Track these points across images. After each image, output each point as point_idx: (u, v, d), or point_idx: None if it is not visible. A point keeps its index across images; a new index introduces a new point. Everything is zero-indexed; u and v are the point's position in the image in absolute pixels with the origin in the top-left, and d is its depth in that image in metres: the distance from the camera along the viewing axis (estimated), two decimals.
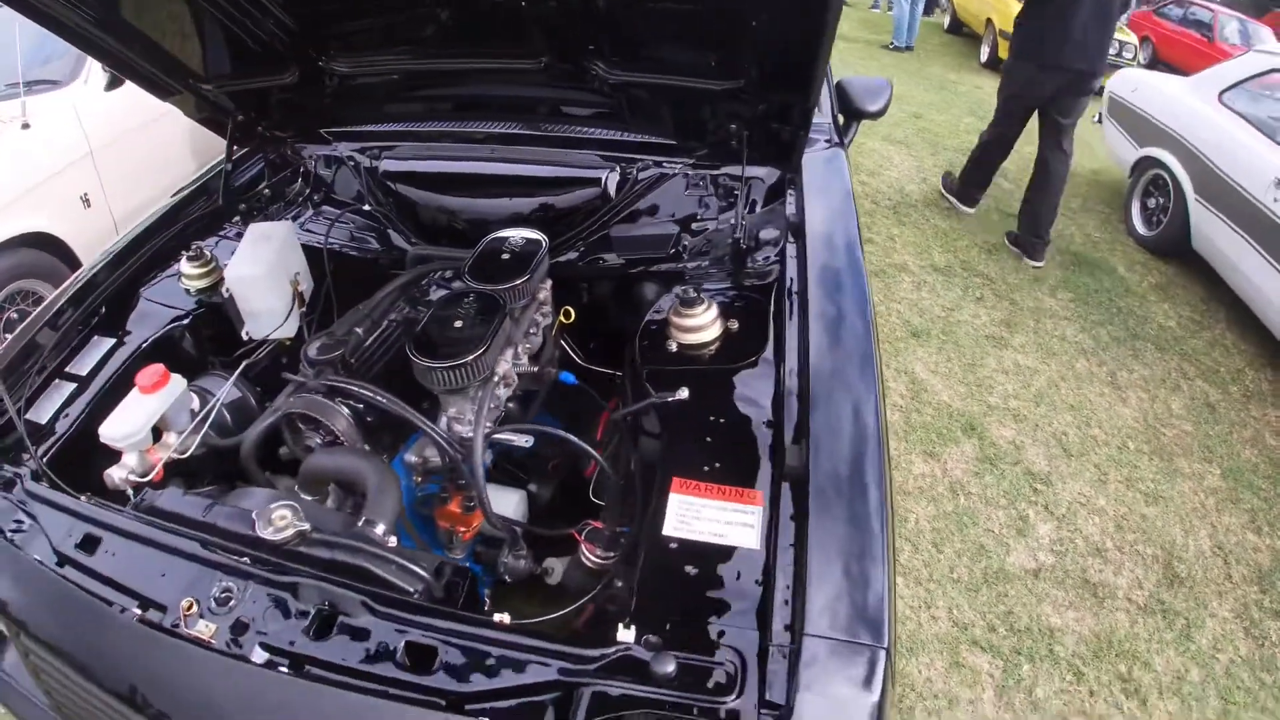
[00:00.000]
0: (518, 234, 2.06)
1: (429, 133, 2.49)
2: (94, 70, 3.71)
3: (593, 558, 1.71)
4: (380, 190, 2.41)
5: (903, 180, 6.21)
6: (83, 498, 1.62)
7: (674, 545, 1.42)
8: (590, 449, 1.77)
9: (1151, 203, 5.61)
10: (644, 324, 1.95)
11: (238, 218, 2.39)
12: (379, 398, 1.76)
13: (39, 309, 2.02)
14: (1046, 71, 4.69)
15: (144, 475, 1.74)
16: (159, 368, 1.76)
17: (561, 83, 2.14)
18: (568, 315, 2.26)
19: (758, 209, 2.24)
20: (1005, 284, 4.94)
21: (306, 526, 1.49)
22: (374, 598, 1.35)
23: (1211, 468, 3.68)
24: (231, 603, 1.37)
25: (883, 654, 1.17)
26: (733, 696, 1.19)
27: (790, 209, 2.11)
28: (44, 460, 1.70)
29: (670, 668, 1.19)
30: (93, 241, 3.44)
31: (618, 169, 2.29)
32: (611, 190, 2.27)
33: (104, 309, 2.05)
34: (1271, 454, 3.83)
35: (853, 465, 1.40)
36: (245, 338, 2.12)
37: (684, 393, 1.68)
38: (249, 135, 2.49)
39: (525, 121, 2.41)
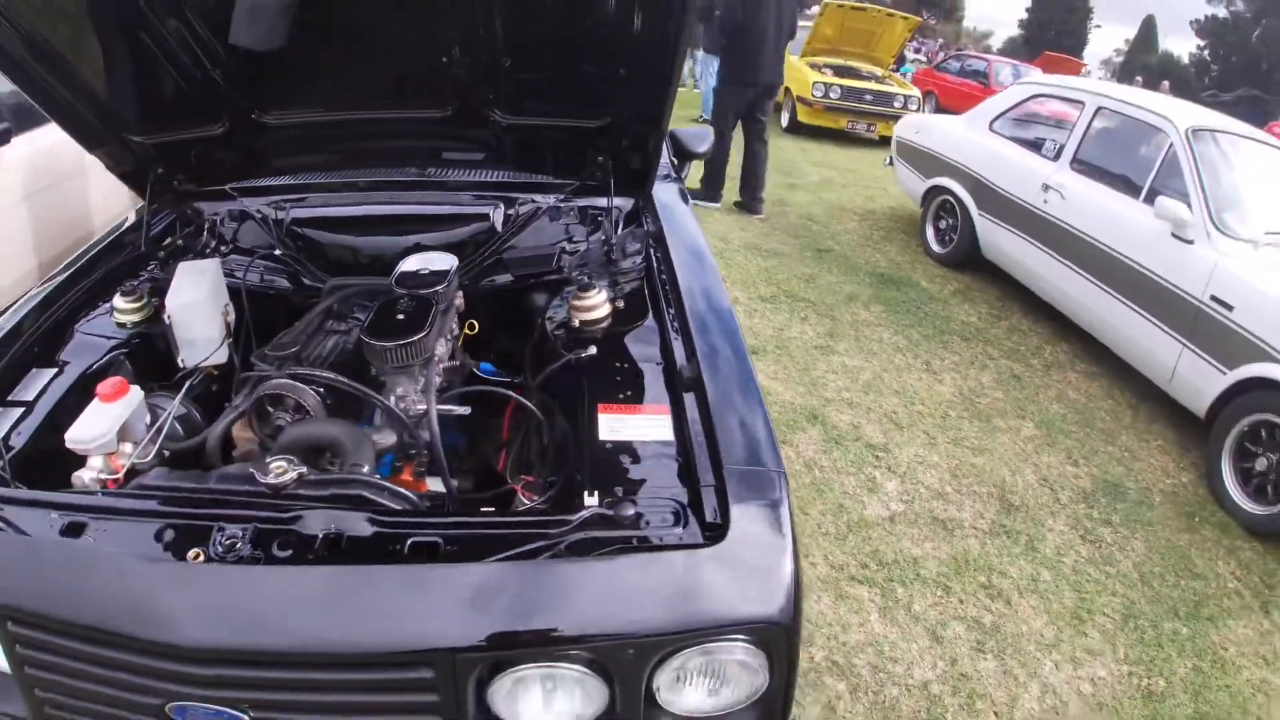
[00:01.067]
0: (431, 256, 2.30)
1: (333, 184, 2.72)
2: None
3: (529, 502, 1.85)
4: (289, 237, 2.56)
5: (724, 229, 6.62)
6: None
7: (609, 445, 1.67)
8: (522, 399, 2.02)
9: (942, 224, 6.23)
10: (546, 315, 2.27)
11: (154, 264, 2.43)
12: (339, 381, 1.91)
13: None
14: (749, 87, 6.65)
15: (112, 476, 1.75)
16: (119, 379, 1.80)
17: (461, 128, 2.41)
18: (472, 328, 2.46)
19: (620, 229, 2.58)
20: (824, 305, 5.32)
21: (304, 469, 1.58)
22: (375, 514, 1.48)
23: (1025, 422, 4.07)
24: (238, 546, 1.41)
25: (782, 476, 1.53)
26: (682, 525, 1.45)
27: (649, 225, 2.52)
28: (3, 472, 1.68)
29: (631, 511, 1.43)
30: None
31: (501, 205, 2.61)
32: (498, 224, 2.56)
33: (37, 347, 2.07)
34: (1075, 405, 4.28)
35: (730, 365, 1.83)
36: (181, 364, 2.18)
37: (592, 349, 1.99)
38: (163, 190, 2.54)
39: (420, 169, 2.72)
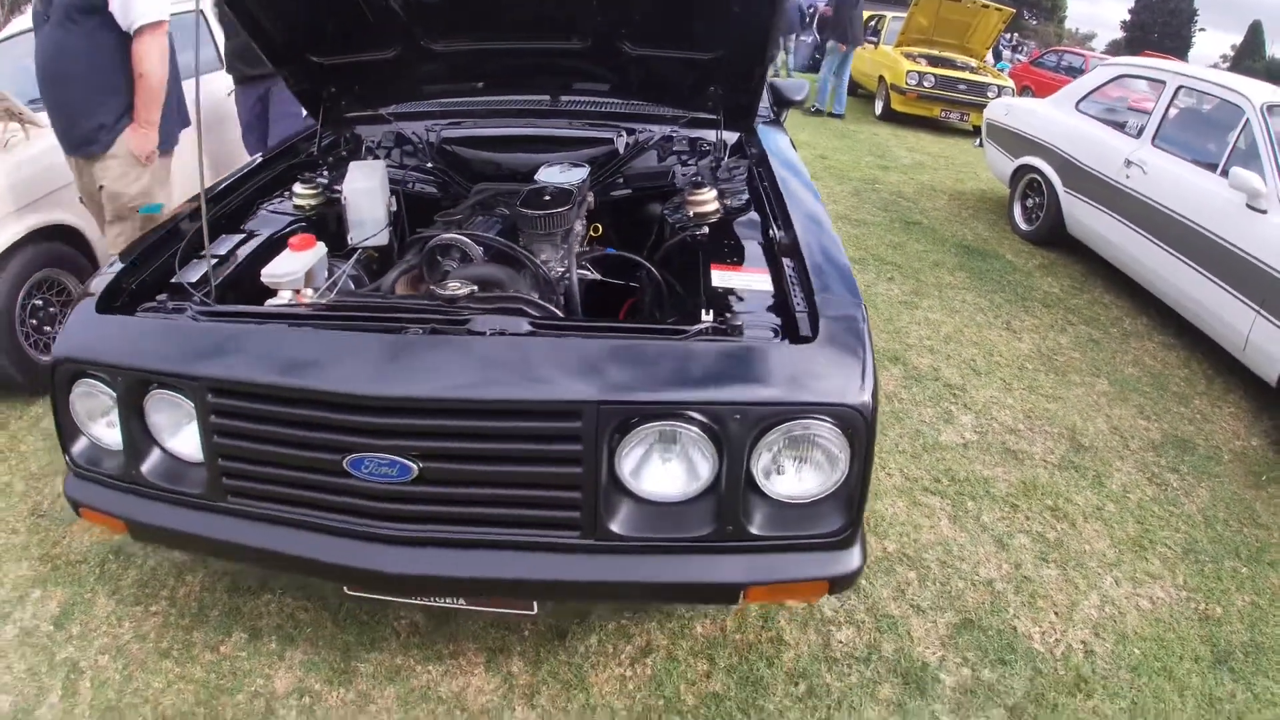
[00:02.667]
0: (567, 166, 2.59)
1: (477, 109, 3.09)
2: None
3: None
4: (438, 154, 2.90)
5: None
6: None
7: (720, 289, 1.92)
8: (643, 260, 2.29)
9: (1029, 202, 6.20)
10: (664, 210, 2.59)
11: (323, 166, 2.75)
12: (496, 240, 2.19)
13: (182, 206, 2.44)
14: None
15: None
16: (308, 235, 2.13)
17: (594, 58, 2.63)
18: (597, 230, 2.75)
19: (727, 156, 2.84)
20: (910, 268, 5.39)
21: (474, 287, 1.90)
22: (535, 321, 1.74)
23: (1100, 380, 4.10)
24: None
25: (860, 306, 1.77)
26: (780, 336, 1.69)
27: (753, 150, 2.80)
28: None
29: (740, 322, 1.71)
30: (94, 232, 3.59)
31: (623, 133, 2.93)
32: (620, 148, 2.86)
33: (225, 219, 2.38)
34: (1150, 370, 4.28)
35: (820, 237, 2.07)
36: (350, 242, 2.49)
37: (705, 229, 2.28)
38: (332, 108, 2.82)
39: (553, 99, 3.06)
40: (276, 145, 2.97)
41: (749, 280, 1.98)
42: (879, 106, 11.38)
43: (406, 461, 1.57)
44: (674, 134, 2.92)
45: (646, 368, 1.57)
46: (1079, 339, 4.55)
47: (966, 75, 10.87)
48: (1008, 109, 6.61)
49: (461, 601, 1.86)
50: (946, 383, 3.82)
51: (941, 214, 6.74)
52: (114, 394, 1.79)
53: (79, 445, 1.93)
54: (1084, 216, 5.44)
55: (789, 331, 1.73)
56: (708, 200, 2.35)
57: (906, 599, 2.47)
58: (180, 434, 1.84)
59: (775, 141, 2.92)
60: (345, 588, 1.93)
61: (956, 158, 9.14)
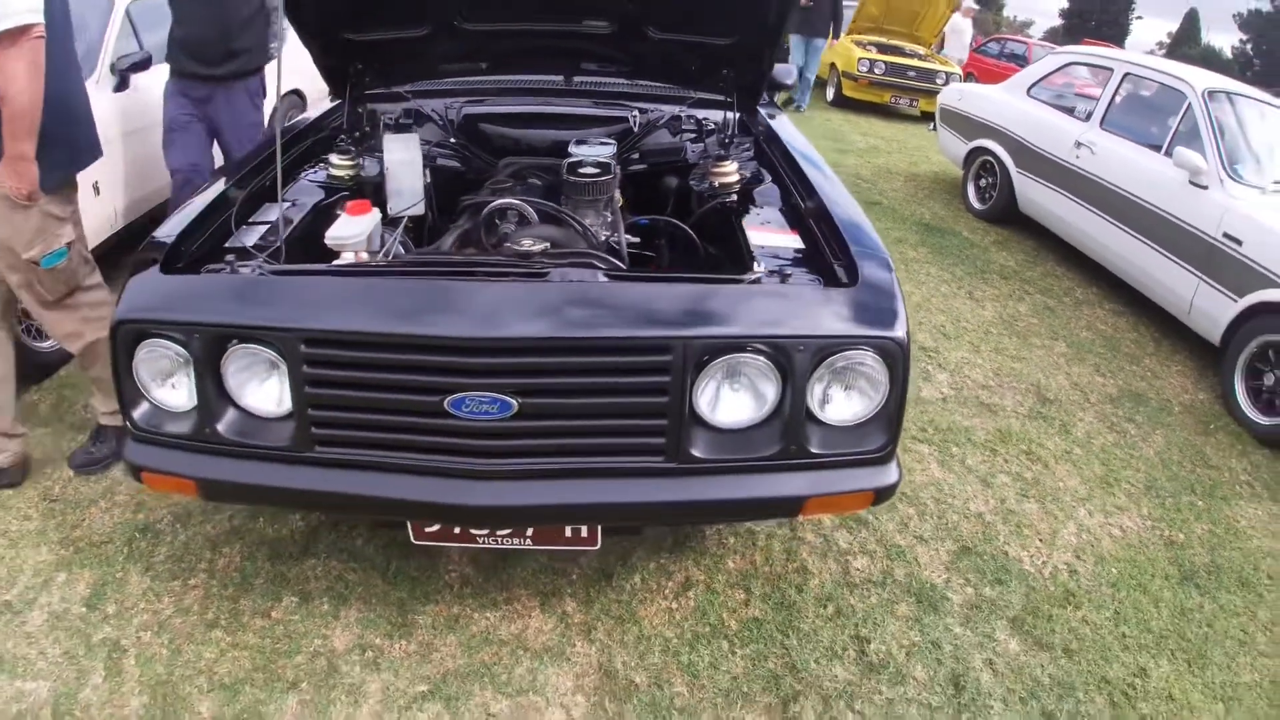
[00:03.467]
0: (594, 143, 2.70)
1: (498, 87, 3.21)
2: (104, 74, 3.79)
3: None
4: (460, 131, 3.01)
5: None
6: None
7: (759, 247, 2.12)
8: (681, 224, 2.49)
9: (982, 183, 6.51)
10: (689, 181, 2.78)
11: (350, 139, 2.80)
12: (549, 205, 2.31)
13: (215, 180, 2.46)
14: None
15: None
16: (363, 200, 2.22)
17: (618, 42, 2.75)
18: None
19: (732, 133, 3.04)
20: None
21: (547, 244, 2.02)
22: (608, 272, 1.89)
23: (1058, 343, 4.39)
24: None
25: (887, 259, 1.96)
26: (820, 280, 1.91)
27: (760, 127, 3.02)
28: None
29: (790, 272, 1.94)
30: (100, 225, 3.51)
31: (636, 112, 3.11)
32: (635, 126, 3.04)
33: (268, 184, 2.41)
34: (1102, 334, 4.60)
35: (841, 199, 2.30)
36: (390, 212, 2.56)
37: (734, 197, 2.47)
38: (356, 86, 2.87)
39: (567, 79, 3.22)
40: (300, 121, 3.01)
41: (782, 239, 2.18)
42: (830, 93, 11.67)
43: (507, 398, 1.68)
44: (682, 113, 3.09)
45: (720, 309, 1.74)
46: (1036, 307, 4.85)
47: (915, 62, 11.18)
48: (961, 95, 6.91)
49: (529, 541, 1.98)
50: (921, 346, 4.07)
51: (899, 195, 7.02)
52: (186, 353, 1.78)
53: (141, 409, 1.89)
54: (1036, 195, 5.75)
55: (830, 279, 1.92)
56: (730, 172, 2.55)
57: (910, 531, 2.69)
58: (260, 389, 1.84)
59: (778, 120, 3.12)
60: (413, 536, 2.00)
61: (908, 142, 9.46)
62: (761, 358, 1.73)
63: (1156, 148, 4.81)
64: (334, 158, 2.57)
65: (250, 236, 2.15)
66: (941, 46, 12.11)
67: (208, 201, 2.21)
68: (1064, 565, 2.66)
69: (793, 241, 2.17)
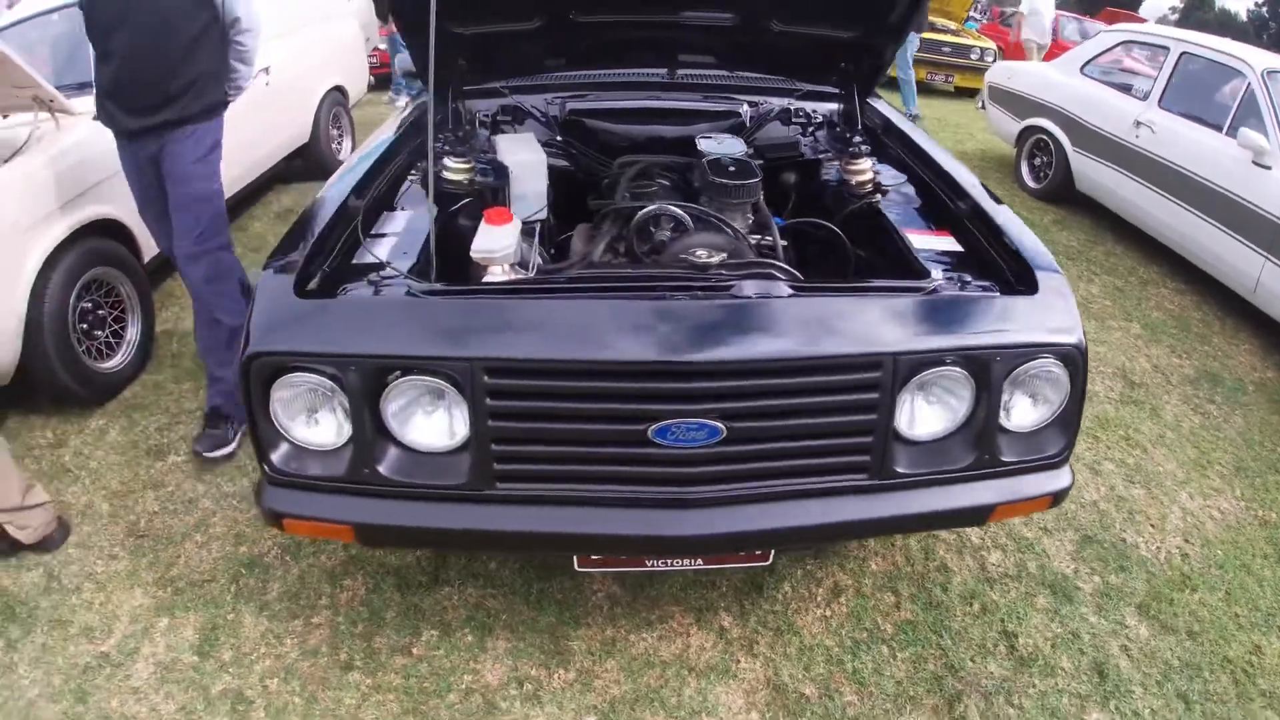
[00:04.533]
0: (721, 137, 2.67)
1: (591, 83, 3.07)
2: None
3: None
4: (565, 127, 2.91)
5: None
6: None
7: (923, 251, 2.14)
8: (836, 229, 2.43)
9: (1037, 161, 6.59)
10: (823, 178, 2.73)
11: (452, 140, 2.61)
12: (704, 211, 2.28)
13: (324, 191, 2.23)
14: None
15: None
16: (503, 208, 2.05)
17: (738, 33, 2.69)
18: None
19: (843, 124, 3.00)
20: None
21: (724, 254, 2.00)
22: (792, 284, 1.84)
23: (1132, 324, 4.53)
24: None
25: (1053, 262, 2.00)
26: (995, 286, 1.93)
27: (876, 120, 2.97)
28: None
29: (969, 279, 1.93)
30: (142, 228, 3.27)
31: (746, 104, 3.03)
32: (746, 120, 2.98)
33: (382, 196, 2.28)
34: (1171, 313, 4.73)
35: (985, 200, 2.28)
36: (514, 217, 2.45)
37: (879, 196, 2.45)
38: (457, 83, 2.73)
39: (670, 72, 3.09)
40: (391, 124, 2.77)
41: (936, 241, 2.17)
42: None
43: (715, 423, 1.60)
44: (791, 106, 3.03)
45: (921, 321, 1.74)
46: (1106, 288, 4.98)
47: (949, 38, 11.16)
48: (1010, 73, 6.96)
49: (699, 561, 1.94)
50: None
51: None
52: (338, 387, 1.64)
53: (280, 450, 1.73)
54: (1094, 174, 5.84)
55: (1004, 285, 1.93)
56: (866, 169, 2.51)
57: (1034, 523, 2.88)
58: (428, 423, 1.72)
59: (890, 112, 3.04)
60: (577, 564, 1.92)
61: (949, 119, 9.50)
62: (958, 369, 1.73)
63: (1217, 127, 4.89)
64: (449, 160, 2.36)
65: (379, 250, 1.98)
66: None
67: (326, 214, 2.03)
68: (1176, 550, 2.84)
69: (947, 244, 2.17)
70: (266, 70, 4.80)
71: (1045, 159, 6.45)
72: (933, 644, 2.35)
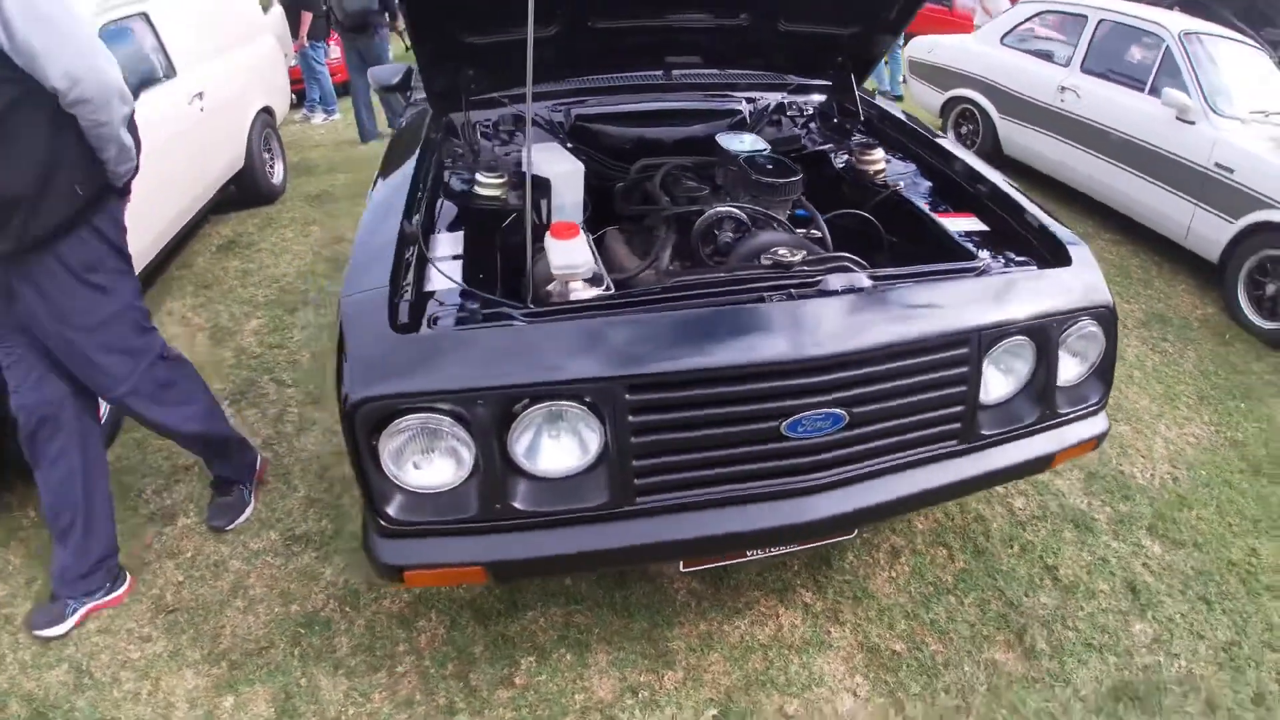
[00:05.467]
0: (741, 134, 2.72)
1: (592, 88, 3.09)
2: None
3: None
4: (573, 134, 2.90)
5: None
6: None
7: (957, 233, 2.32)
8: (872, 218, 2.53)
9: (964, 129, 6.96)
10: (841, 170, 2.83)
11: (470, 154, 2.66)
12: (760, 210, 2.35)
13: (370, 217, 2.16)
14: None
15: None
16: (570, 222, 2.06)
17: (743, 34, 2.76)
18: None
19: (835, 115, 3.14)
20: None
21: (804, 252, 2.04)
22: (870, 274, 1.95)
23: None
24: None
25: (1073, 234, 2.20)
26: (1031, 261, 2.15)
27: (872, 111, 3.09)
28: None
29: (1011, 255, 2.15)
30: None
31: (745, 102, 3.12)
32: (748, 116, 3.08)
33: (420, 218, 2.13)
34: (1112, 263, 5.16)
35: (996, 180, 2.50)
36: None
37: (901, 183, 2.63)
38: (458, 94, 2.66)
39: (666, 73, 3.13)
40: (395, 141, 2.82)
41: (963, 223, 2.35)
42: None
43: (839, 411, 1.72)
44: (785, 100, 3.14)
45: (991, 298, 1.93)
46: None
47: None
48: (931, 47, 7.31)
49: (798, 545, 2.03)
50: None
51: None
52: (459, 424, 1.60)
53: (395, 502, 1.66)
54: (1022, 139, 6.23)
55: (1039, 259, 2.15)
56: (879, 160, 2.66)
57: None
58: (556, 448, 1.70)
59: (877, 100, 3.16)
60: (683, 565, 1.96)
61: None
62: (1024, 337, 1.93)
63: (1139, 88, 5.31)
64: (482, 176, 2.35)
65: (451, 274, 1.92)
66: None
67: (384, 241, 1.92)
68: (1167, 475, 3.17)
69: (973, 224, 2.34)
70: (200, 96, 4.72)
71: (971, 127, 6.83)
72: (990, 586, 2.58)
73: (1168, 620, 2.50)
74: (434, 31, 2.35)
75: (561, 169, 2.43)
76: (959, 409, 1.93)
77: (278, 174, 6.10)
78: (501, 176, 2.38)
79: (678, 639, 2.28)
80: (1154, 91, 5.12)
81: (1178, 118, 4.89)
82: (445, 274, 1.91)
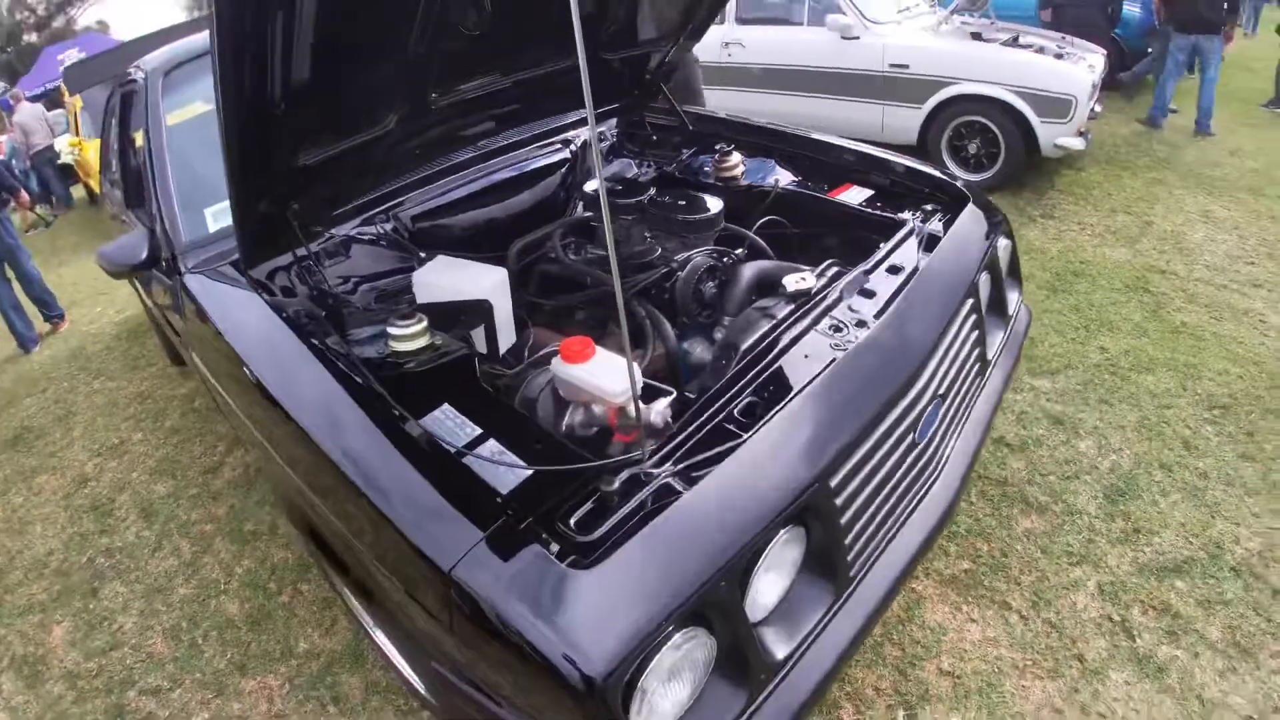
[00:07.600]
0: (616, 173, 2.69)
1: (409, 184, 2.50)
2: None
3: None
4: (416, 239, 2.41)
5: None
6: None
7: (859, 207, 2.45)
8: (784, 221, 2.50)
9: None
10: (700, 174, 2.78)
11: (331, 298, 2.09)
12: (755, 237, 2.38)
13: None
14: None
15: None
16: (583, 338, 1.67)
17: (559, 76, 2.46)
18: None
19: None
20: None
21: (814, 280, 1.98)
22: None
23: None
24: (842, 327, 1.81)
25: (947, 176, 2.41)
26: (940, 210, 2.37)
27: (688, 115, 3.07)
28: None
29: (928, 209, 2.36)
30: None
31: (560, 143, 2.85)
32: (573, 158, 2.85)
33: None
34: None
35: (839, 141, 2.70)
36: (502, 353, 2.09)
37: (777, 180, 2.66)
38: (282, 233, 2.01)
39: (473, 141, 2.64)
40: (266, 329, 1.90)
41: (855, 195, 2.45)
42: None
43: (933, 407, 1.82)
44: (604, 133, 3.02)
45: (958, 255, 2.05)
46: None
47: None
48: None
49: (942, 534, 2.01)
50: None
51: None
52: (701, 625, 1.30)
53: None
54: (710, 102, 6.67)
55: (944, 205, 2.31)
56: (737, 164, 2.68)
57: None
58: (771, 578, 1.48)
59: (694, 107, 3.28)
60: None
61: None
62: (985, 271, 2.12)
63: (799, 21, 5.86)
64: (395, 329, 1.76)
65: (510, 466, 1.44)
66: None
67: (401, 486, 1.43)
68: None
69: (862, 194, 2.45)
70: None
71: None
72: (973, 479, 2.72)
73: (1094, 429, 2.89)
74: (255, 170, 1.74)
75: (489, 282, 2.02)
76: (980, 349, 2.12)
77: None
78: (417, 319, 1.80)
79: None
80: (813, 23, 5.71)
81: (843, 37, 5.51)
82: (508, 463, 1.42)
